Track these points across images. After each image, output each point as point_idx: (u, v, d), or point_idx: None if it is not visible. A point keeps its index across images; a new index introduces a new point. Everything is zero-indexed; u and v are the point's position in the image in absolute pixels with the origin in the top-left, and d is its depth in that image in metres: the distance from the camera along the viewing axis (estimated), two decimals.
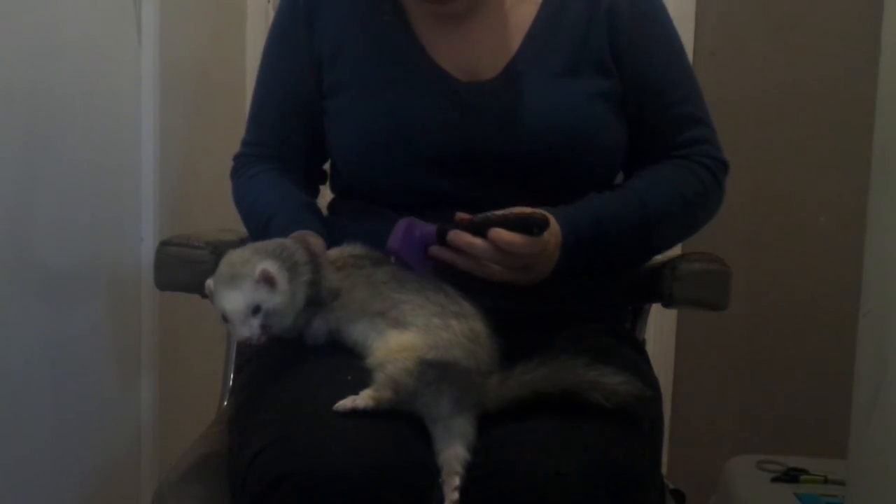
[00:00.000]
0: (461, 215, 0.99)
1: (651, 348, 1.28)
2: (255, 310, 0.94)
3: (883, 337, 1.05)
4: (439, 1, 1.14)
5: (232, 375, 1.27)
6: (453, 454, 0.88)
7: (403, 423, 0.91)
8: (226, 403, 1.26)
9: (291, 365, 1.01)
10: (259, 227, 1.16)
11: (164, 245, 1.20)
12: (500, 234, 0.96)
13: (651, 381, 1.09)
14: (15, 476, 1.40)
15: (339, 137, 1.18)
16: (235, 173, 1.26)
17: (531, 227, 0.97)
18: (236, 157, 1.27)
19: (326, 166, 1.29)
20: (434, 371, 0.91)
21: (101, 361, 1.62)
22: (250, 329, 0.94)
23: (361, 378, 0.95)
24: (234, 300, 0.94)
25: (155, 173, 1.70)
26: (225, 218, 1.23)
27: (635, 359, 1.12)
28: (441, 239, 0.99)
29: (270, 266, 0.95)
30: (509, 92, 1.12)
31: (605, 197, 1.13)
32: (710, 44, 2.10)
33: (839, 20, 2.05)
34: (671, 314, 2.14)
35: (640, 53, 1.15)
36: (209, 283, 0.97)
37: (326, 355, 1.01)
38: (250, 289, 0.94)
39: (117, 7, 1.61)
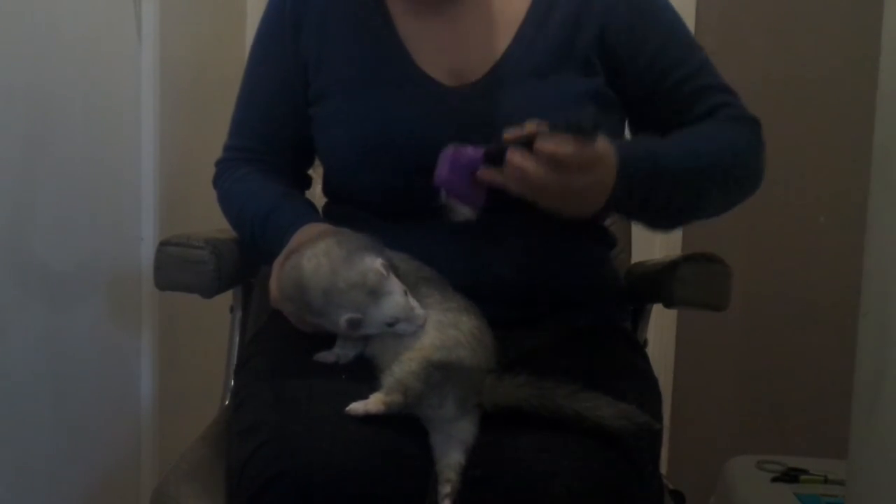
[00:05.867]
0: (509, 134, 0.93)
1: (651, 348, 1.28)
2: (405, 292, 0.95)
3: (883, 337, 1.05)
4: None
5: (232, 375, 1.27)
6: (447, 464, 0.88)
7: (398, 420, 0.91)
8: (226, 403, 1.27)
9: (289, 365, 1.01)
10: (257, 223, 1.13)
11: (163, 245, 1.20)
12: (544, 144, 0.90)
13: (651, 382, 1.09)
14: (15, 476, 1.41)
15: (327, 145, 1.16)
16: (219, 179, 1.22)
17: (579, 134, 0.91)
18: (219, 163, 1.24)
19: (310, 171, 1.28)
20: (439, 373, 0.91)
21: (101, 361, 1.62)
22: (415, 307, 0.95)
23: (357, 376, 0.95)
24: (396, 304, 0.94)
25: (155, 173, 1.70)
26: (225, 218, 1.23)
27: (634, 361, 1.12)
28: (489, 161, 0.94)
29: (378, 258, 0.95)
30: (496, 93, 1.10)
31: (656, 138, 1.08)
32: (710, 44, 2.09)
33: (839, 20, 2.06)
34: (671, 314, 2.14)
35: (638, 42, 1.13)
36: (347, 319, 0.94)
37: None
38: (392, 283, 0.94)
39: (117, 7, 1.62)
